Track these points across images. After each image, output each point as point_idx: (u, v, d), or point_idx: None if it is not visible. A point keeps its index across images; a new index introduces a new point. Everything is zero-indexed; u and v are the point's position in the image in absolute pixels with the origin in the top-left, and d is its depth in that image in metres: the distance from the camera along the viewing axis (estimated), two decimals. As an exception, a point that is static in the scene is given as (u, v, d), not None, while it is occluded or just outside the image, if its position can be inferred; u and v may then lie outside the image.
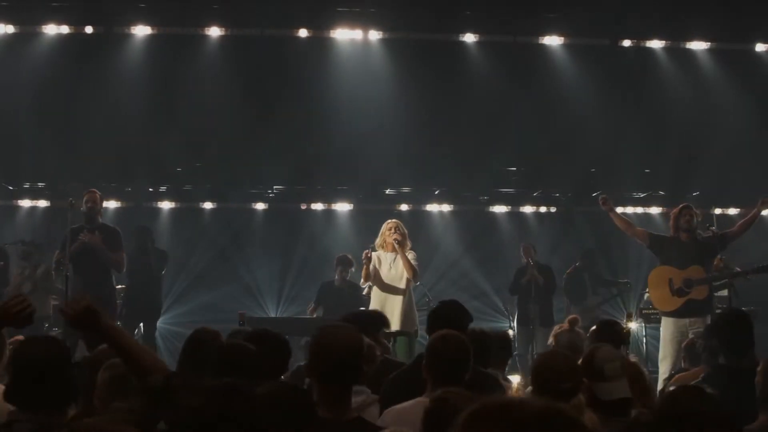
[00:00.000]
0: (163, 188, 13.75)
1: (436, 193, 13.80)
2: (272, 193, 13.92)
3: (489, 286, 13.30)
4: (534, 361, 3.72)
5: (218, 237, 13.83)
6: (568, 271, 12.29)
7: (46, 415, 3.09)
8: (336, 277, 11.00)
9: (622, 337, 5.96)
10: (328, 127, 12.74)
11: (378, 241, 8.87)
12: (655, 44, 12.96)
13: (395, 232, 8.66)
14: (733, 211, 13.14)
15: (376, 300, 8.62)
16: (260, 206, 14.03)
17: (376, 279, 8.67)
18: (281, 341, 4.41)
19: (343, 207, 14.01)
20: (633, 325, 13.13)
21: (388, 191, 13.86)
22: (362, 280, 8.86)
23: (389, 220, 8.98)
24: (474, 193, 13.90)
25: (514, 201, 14.04)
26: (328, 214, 14.11)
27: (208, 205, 13.97)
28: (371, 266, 8.60)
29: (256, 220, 14.05)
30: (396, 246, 8.60)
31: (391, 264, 8.68)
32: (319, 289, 11.15)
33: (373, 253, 8.77)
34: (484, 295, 13.30)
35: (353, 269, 11.05)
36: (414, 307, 8.78)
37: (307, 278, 13.26)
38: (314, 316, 10.89)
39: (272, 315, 13.18)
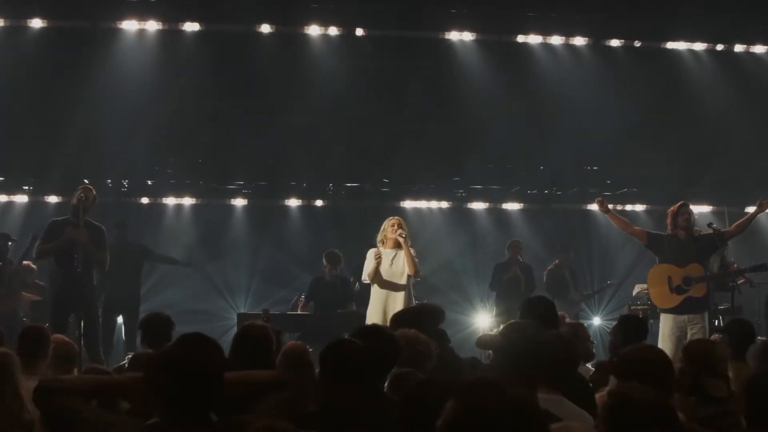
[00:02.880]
0: (126, 183, 13.47)
1: (414, 189, 13.81)
2: (248, 190, 13.75)
3: (470, 281, 13.31)
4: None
5: (190, 233, 13.63)
6: (549, 268, 12.43)
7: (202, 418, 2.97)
8: (326, 272, 10.94)
9: (646, 330, 6.09)
10: (309, 125, 12.67)
11: (379, 237, 8.87)
12: (640, 45, 13.24)
13: (399, 228, 8.66)
14: (705, 208, 13.42)
15: (377, 297, 8.61)
16: (236, 202, 13.86)
17: (376, 276, 8.65)
18: (392, 339, 4.39)
19: (318, 203, 13.92)
20: (597, 321, 13.44)
21: (365, 187, 13.80)
22: (365, 277, 8.81)
23: (391, 217, 8.98)
24: (460, 191, 13.92)
25: (498, 198, 14.10)
26: (302, 210, 13.99)
27: (188, 201, 13.75)
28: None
29: (230, 217, 13.87)
30: (401, 241, 8.61)
31: (392, 260, 8.67)
32: (310, 285, 11.10)
33: (373, 250, 8.77)
34: (462, 288, 13.32)
35: (342, 265, 11.03)
36: (414, 303, 8.70)
37: (277, 276, 13.15)
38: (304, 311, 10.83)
39: (242, 311, 13.01)
